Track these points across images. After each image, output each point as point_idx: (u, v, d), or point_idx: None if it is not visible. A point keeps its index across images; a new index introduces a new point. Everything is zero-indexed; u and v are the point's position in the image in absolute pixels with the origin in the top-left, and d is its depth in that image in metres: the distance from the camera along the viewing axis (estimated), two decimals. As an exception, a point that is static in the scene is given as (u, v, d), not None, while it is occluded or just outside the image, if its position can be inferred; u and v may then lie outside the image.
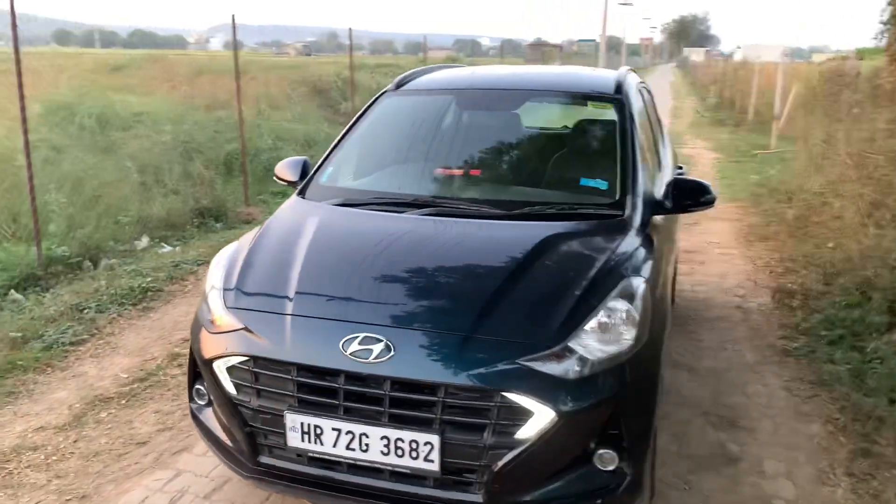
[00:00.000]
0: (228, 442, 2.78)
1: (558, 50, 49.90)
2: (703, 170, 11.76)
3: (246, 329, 2.66)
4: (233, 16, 8.69)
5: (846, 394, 3.94)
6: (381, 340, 2.46)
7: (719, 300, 5.66)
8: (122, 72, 15.91)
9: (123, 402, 3.89)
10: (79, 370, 4.28)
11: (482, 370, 2.40)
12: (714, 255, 6.89)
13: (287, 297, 2.71)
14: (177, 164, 8.80)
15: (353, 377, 2.47)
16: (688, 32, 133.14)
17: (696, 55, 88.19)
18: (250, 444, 2.67)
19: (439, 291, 2.72)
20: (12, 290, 5.59)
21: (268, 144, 10.95)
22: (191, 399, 2.99)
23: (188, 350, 4.37)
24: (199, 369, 2.89)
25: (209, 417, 2.89)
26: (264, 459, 2.67)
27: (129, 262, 6.39)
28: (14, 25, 5.60)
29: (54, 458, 3.34)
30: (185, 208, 7.93)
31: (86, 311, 5.07)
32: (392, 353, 2.44)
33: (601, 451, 2.48)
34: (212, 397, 2.82)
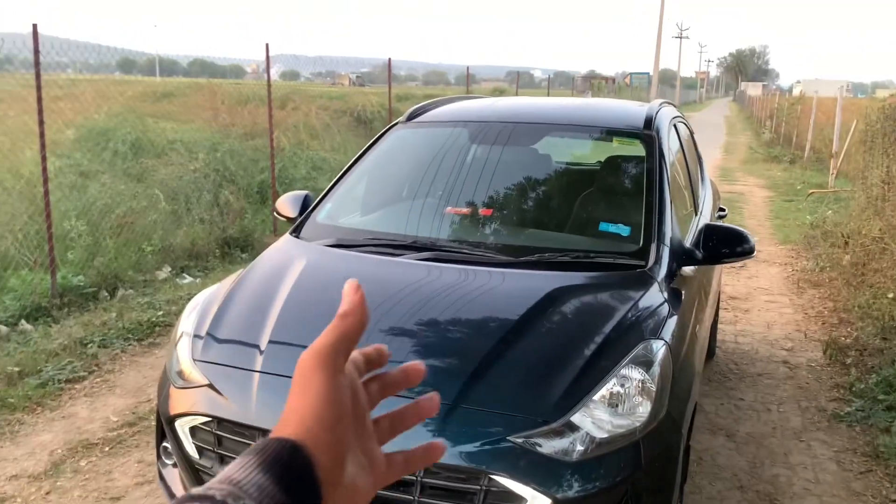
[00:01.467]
0: (191, 510, 2.48)
1: (611, 82, 49.45)
2: (753, 209, 11.24)
3: (210, 386, 2.38)
4: (266, 44, 8.58)
5: (906, 471, 3.47)
6: None
7: (764, 353, 5.20)
8: (167, 99, 16.03)
9: (107, 448, 3.63)
10: (69, 411, 4.05)
11: (468, 447, 2.07)
12: (760, 303, 6.41)
13: (258, 349, 2.42)
14: (206, 192, 8.68)
15: (322, 448, 2.15)
16: (745, 66, 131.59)
17: (753, 89, 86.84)
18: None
19: (427, 349, 2.40)
20: (22, 320, 5.45)
21: (302, 174, 10.82)
22: (158, 457, 2.71)
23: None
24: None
25: (172, 478, 2.61)
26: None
27: (147, 292, 6.22)
28: (36, 51, 5.53)
29: (21, 512, 3.10)
30: (210, 238, 7.77)
31: (89, 346, 4.88)
32: (366, 421, 2.11)
33: (610, 546, 2.11)
34: (175, 459, 2.54)
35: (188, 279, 6.87)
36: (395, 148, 3.66)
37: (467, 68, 18.56)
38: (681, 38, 74.16)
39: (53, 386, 4.30)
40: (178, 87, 16.17)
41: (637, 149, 3.32)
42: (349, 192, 3.49)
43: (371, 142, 3.69)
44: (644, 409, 2.18)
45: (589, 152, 3.76)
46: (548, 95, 25.41)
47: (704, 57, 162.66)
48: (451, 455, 2.06)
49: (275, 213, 3.57)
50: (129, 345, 5.00)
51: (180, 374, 2.52)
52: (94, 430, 3.83)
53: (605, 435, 2.11)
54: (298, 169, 10.95)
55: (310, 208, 3.38)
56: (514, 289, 2.66)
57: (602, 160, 3.62)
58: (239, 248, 7.99)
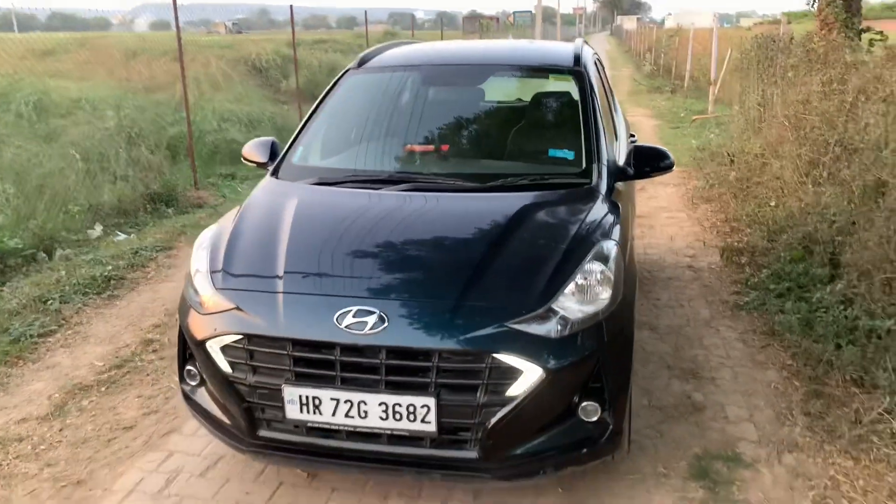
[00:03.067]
0: (225, 419, 2.85)
1: (495, 22, 49.91)
2: (644, 136, 12.07)
3: (238, 308, 2.73)
4: (173, -3, 8.52)
5: (797, 342, 4.20)
6: (375, 312, 2.57)
7: (671, 261, 5.92)
8: (53, 56, 15.30)
9: (103, 389, 3.90)
10: (51, 361, 4.26)
11: (473, 334, 2.53)
12: (662, 219, 7.16)
13: (276, 276, 2.79)
14: (122, 149, 8.62)
15: (348, 349, 2.57)
16: (620, 0, 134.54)
17: (629, 23, 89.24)
18: (248, 419, 2.75)
19: (426, 263, 2.84)
20: (-33, 286, 5.48)
21: (212, 126, 10.82)
22: (182, 380, 3.05)
23: (161, 336, 4.43)
24: (189, 351, 2.96)
25: (202, 397, 2.96)
26: (263, 433, 2.76)
27: (86, 251, 6.31)
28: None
29: (42, 447, 3.36)
30: (135, 195, 7.82)
31: (50, 303, 5.02)
32: (385, 323, 2.55)
33: (585, 404, 2.65)
34: (205, 377, 2.88)
35: (122, 236, 6.95)
36: (353, 93, 4.00)
37: (365, 12, 18.53)
38: (560, -27, 74.87)
39: (27, 341, 4.47)
40: (58, 43, 15.42)
41: (570, 84, 3.81)
42: (316, 135, 3.82)
43: (327, 89, 4.02)
44: (605, 294, 2.70)
45: (528, 89, 4.21)
46: (441, 37, 25.60)
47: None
48: (460, 341, 2.52)
49: (244, 159, 3.86)
50: (90, 298, 5.17)
51: (202, 304, 2.85)
52: (83, 375, 4.07)
53: (579, 316, 2.62)
54: (208, 121, 10.91)
55: (282, 153, 3.70)
56: (488, 209, 3.11)
57: (540, 95, 4.09)
58: (164, 203, 8.07)
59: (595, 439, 2.69)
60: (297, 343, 2.62)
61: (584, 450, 2.68)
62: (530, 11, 64.50)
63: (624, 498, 2.94)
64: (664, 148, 3.56)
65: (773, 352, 4.21)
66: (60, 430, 3.51)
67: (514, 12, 59.70)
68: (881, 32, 6.99)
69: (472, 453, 2.59)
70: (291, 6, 11.90)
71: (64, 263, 5.94)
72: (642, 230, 6.72)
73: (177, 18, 8.76)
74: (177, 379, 3.83)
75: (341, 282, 2.76)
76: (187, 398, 3.04)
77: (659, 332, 4.49)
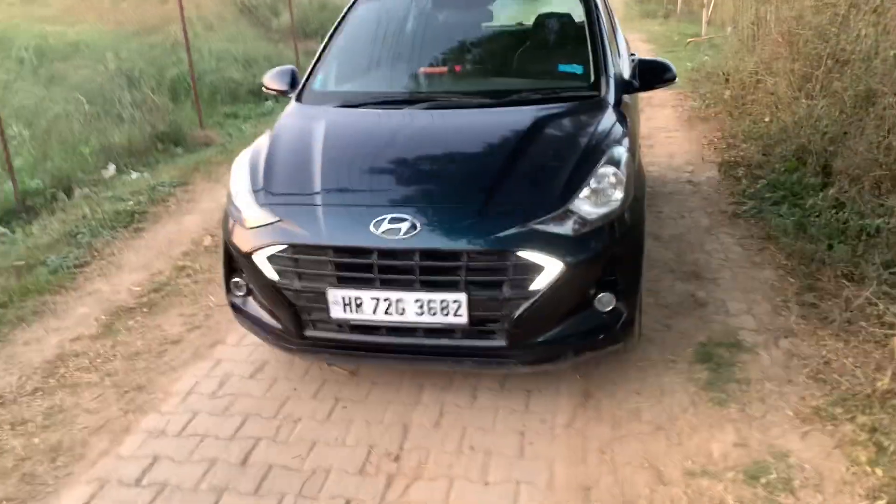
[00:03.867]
0: (274, 323, 3.12)
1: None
2: (639, 61, 12.13)
3: (282, 221, 2.97)
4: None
5: (791, 243, 4.48)
6: (407, 219, 2.82)
7: (671, 177, 6.16)
8: (37, 2, 15.18)
9: (145, 310, 4.17)
10: (91, 288, 4.52)
11: (498, 235, 2.79)
12: (661, 139, 7.37)
13: (315, 191, 3.03)
14: (126, 92, 8.74)
15: (385, 253, 2.83)
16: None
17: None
18: (295, 321, 3.02)
19: (452, 172, 3.08)
20: (-5, 225, 5.71)
21: (210, 66, 10.87)
22: (228, 292, 3.31)
23: (192, 263, 4.70)
24: (234, 265, 3.22)
25: (250, 305, 3.23)
26: (309, 333, 3.04)
27: (103, 190, 6.51)
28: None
29: (99, 360, 3.65)
30: (143, 135, 7.97)
31: (79, 237, 5.26)
32: (418, 229, 2.80)
33: (600, 295, 2.92)
34: (253, 286, 3.15)
35: (135, 175, 7.14)
36: (365, 19, 4.17)
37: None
38: None
39: (65, 272, 4.72)
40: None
41: (575, 4, 3.98)
42: (333, 62, 4.00)
43: (340, 17, 4.18)
44: (618, 195, 2.95)
45: (534, 9, 4.37)
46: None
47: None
48: (487, 242, 2.78)
49: (264, 88, 4.05)
50: (117, 232, 5.40)
51: (246, 220, 3.08)
52: (124, 299, 4.33)
53: (594, 216, 2.87)
54: (206, 62, 10.95)
55: (303, 79, 3.90)
56: (503, 122, 3.33)
57: (548, 14, 4.26)
58: (172, 142, 8.22)
59: (610, 327, 2.97)
60: (338, 250, 2.87)
61: (601, 336, 2.97)
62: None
63: (636, 381, 3.25)
64: (666, 61, 3.76)
65: (770, 253, 4.49)
66: (112, 346, 3.79)
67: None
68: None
69: (500, 342, 2.88)
70: (282, -60, 11.75)
71: (86, 201, 6.15)
72: (642, 149, 6.90)
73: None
74: (213, 299, 4.15)
75: (375, 193, 3.00)
76: (235, 308, 3.30)
77: (662, 241, 4.76)
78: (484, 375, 3.29)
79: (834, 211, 4.69)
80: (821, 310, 3.71)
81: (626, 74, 3.82)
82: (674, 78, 3.73)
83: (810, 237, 4.48)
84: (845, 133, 5.41)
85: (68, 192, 6.50)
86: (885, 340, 3.36)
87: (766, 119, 6.82)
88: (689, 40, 13.36)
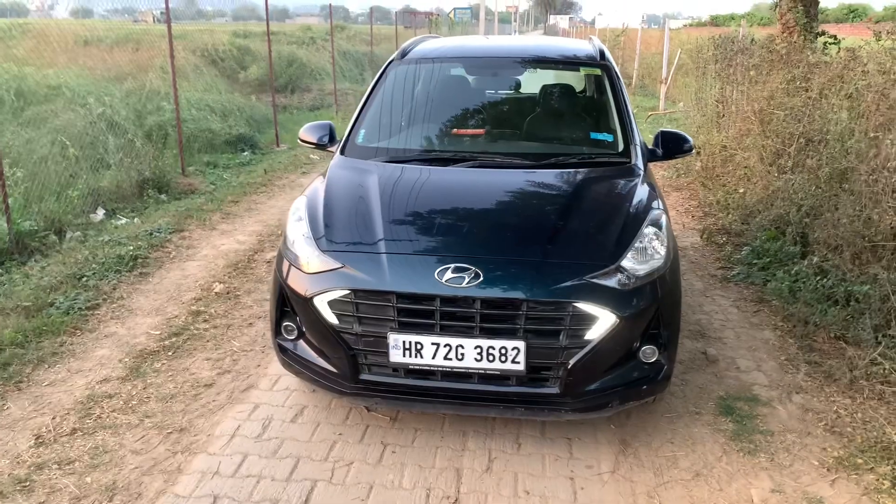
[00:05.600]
0: (326, 366, 3.21)
1: (433, 17, 50.38)
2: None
3: (344, 267, 3.10)
4: (164, -14, 8.66)
5: (785, 307, 4.79)
6: (471, 269, 2.98)
7: (658, 241, 6.47)
8: (2, 42, 15.03)
9: (169, 353, 4.18)
10: (107, 331, 4.50)
11: (557, 286, 2.97)
12: (640, 205, 7.72)
13: (377, 240, 3.17)
14: (110, 136, 8.73)
15: (447, 300, 2.97)
16: (552, 0, 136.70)
17: (563, 22, 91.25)
18: (351, 365, 3.12)
19: (509, 227, 3.26)
20: (-10, 265, 5.62)
21: (190, 115, 10.92)
22: (277, 335, 3.38)
23: (206, 308, 4.72)
24: (286, 308, 3.31)
25: (301, 348, 3.30)
26: (364, 377, 3.13)
27: (95, 234, 6.47)
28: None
29: (133, 402, 3.64)
30: (130, 181, 7.96)
31: (85, 279, 5.23)
32: (480, 278, 2.96)
33: (645, 347, 3.12)
34: (307, 330, 3.24)
35: (123, 220, 7.12)
36: (402, 81, 4.39)
37: (329, 8, 18.66)
38: (496, -28, 75.84)
39: (77, 313, 4.69)
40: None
41: (599, 75, 4.29)
42: (374, 120, 4.19)
43: (376, 78, 4.39)
44: (661, 253, 3.18)
45: (563, 80, 4.68)
46: (370, 31, 25.80)
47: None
48: (547, 292, 2.96)
49: (300, 141, 4.21)
50: (122, 276, 5.39)
51: (305, 266, 3.20)
52: (144, 342, 4.33)
53: (641, 272, 3.09)
54: (185, 110, 11.00)
55: (346, 134, 4.07)
56: (551, 182, 3.56)
57: (573, 86, 4.56)
58: (156, 189, 8.22)
59: (652, 378, 3.16)
60: (402, 296, 3.01)
61: (644, 387, 3.15)
62: (469, 8, 65.30)
63: (667, 431, 3.43)
64: (685, 133, 4.06)
65: (765, 316, 4.78)
66: (144, 388, 3.79)
67: (454, 9, 60.34)
68: (834, 36, 7.73)
69: (553, 389, 3.03)
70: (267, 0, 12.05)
71: (78, 245, 6.11)
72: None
73: (168, 15, 8.89)
74: (236, 344, 4.20)
75: (437, 243, 3.16)
76: (284, 351, 3.37)
77: (663, 301, 5.01)
78: (524, 423, 3.42)
79: (818, 277, 5.03)
80: (824, 368, 3.99)
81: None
82: (692, 149, 4.04)
83: (801, 301, 4.79)
84: (821, 206, 5.83)
85: (59, 235, 6.44)
86: (888, 397, 3.64)
87: (741, 190, 7.26)
88: (649, 114, 14.04)
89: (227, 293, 5.10)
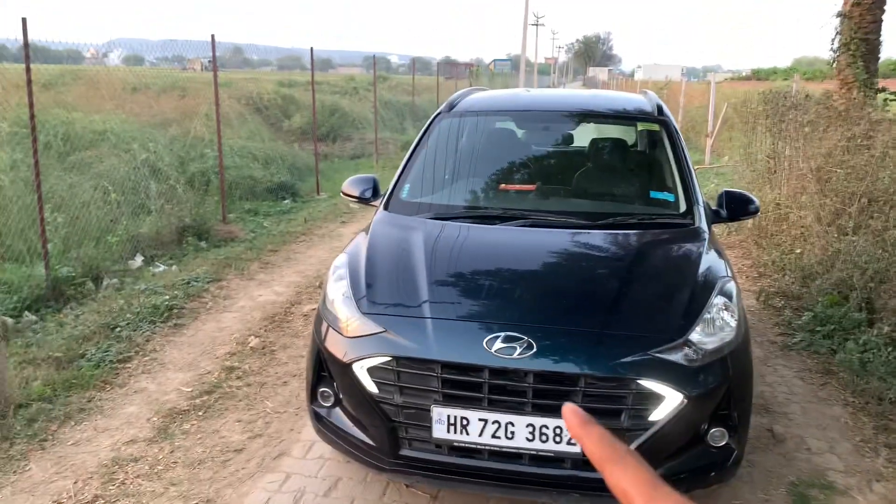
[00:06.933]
0: (364, 438, 2.97)
1: (473, 68, 51.11)
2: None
3: (386, 332, 2.88)
4: (212, 35, 8.74)
5: (852, 380, 4.44)
6: (523, 338, 2.74)
7: (711, 303, 6.15)
8: (54, 89, 15.40)
9: (200, 413, 3.98)
10: (137, 386, 4.33)
11: (618, 361, 2.71)
12: (690, 263, 7.42)
13: (422, 303, 2.95)
14: (152, 182, 8.74)
15: (497, 372, 2.73)
16: (592, 52, 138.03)
17: (602, 74, 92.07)
18: (391, 438, 2.88)
19: (565, 293, 3.02)
20: (26, 312, 5.53)
21: (232, 162, 10.96)
22: (313, 401, 3.16)
23: (240, 363, 4.53)
24: (323, 372, 3.09)
25: (338, 417, 3.08)
26: (405, 452, 2.89)
27: (132, 281, 6.38)
28: None
29: (159, 467, 3.44)
30: (170, 227, 7.91)
31: (118, 330, 5.09)
32: (534, 349, 2.71)
33: (713, 430, 2.83)
34: (346, 397, 3.01)
35: (161, 267, 7.03)
36: (449, 135, 4.22)
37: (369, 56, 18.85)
38: (537, 25, 76.88)
39: (107, 366, 4.54)
40: (52, 77, 15.51)
41: (657, 131, 4.07)
42: (419, 174, 4.02)
43: (422, 131, 4.23)
44: (732, 325, 2.91)
45: (617, 135, 4.48)
46: (413, 81, 26.04)
47: (556, 43, 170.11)
48: (607, 367, 2.70)
49: (343, 195, 4.04)
50: (157, 327, 5.25)
51: (345, 329, 2.99)
52: (174, 400, 4.15)
53: (711, 347, 2.82)
54: (228, 157, 11.05)
55: (390, 188, 3.89)
56: (607, 244, 3.33)
57: (632, 141, 4.35)
58: (196, 236, 8.15)
59: (720, 464, 2.86)
60: (448, 366, 2.77)
61: (712, 473, 2.85)
62: (509, 60, 66.20)
63: (735, 521, 3.11)
64: (750, 194, 3.81)
65: (833, 389, 4.44)
66: (171, 451, 3.59)
67: (493, 60, 61.14)
68: (895, 92, 7.45)
69: None
70: (312, 48, 12.16)
71: (116, 293, 6.01)
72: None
73: (214, 55, 8.95)
74: (270, 404, 3.98)
75: (487, 309, 2.93)
76: (319, 419, 3.15)
77: (721, 369, 4.69)
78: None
79: (890, 349, 4.68)
80: (906, 453, 3.63)
81: None
82: (758, 210, 3.78)
83: (872, 374, 4.44)
84: (888, 270, 5.49)
85: (96, 282, 6.36)
86: (982, 490, 3.27)
87: (797, 251, 6.92)
88: (696, 168, 13.75)
89: (263, 348, 4.91)
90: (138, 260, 7.14)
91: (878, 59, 7.58)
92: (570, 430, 0.68)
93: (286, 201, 10.93)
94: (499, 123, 4.30)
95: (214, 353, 4.85)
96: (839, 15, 7.48)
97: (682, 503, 0.61)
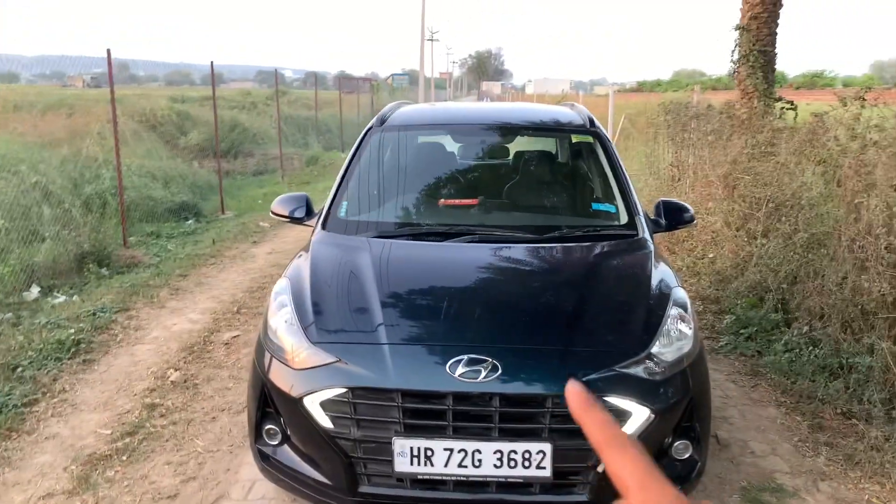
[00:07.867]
0: (318, 476, 2.78)
1: (374, 83, 51.06)
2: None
3: (340, 361, 2.71)
4: (108, 50, 8.25)
5: (781, 381, 4.57)
6: (487, 360, 2.63)
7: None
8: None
9: (124, 458, 3.66)
10: (48, 431, 3.95)
11: (585, 379, 2.64)
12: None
13: (377, 327, 2.79)
14: (45, 206, 8.14)
15: (461, 397, 2.61)
16: (485, 67, 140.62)
17: (495, 88, 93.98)
18: (349, 475, 2.70)
19: (524, 310, 2.93)
20: None
21: (132, 183, 10.39)
22: (258, 439, 2.95)
23: (161, 400, 4.22)
24: (268, 409, 2.89)
25: (287, 455, 2.87)
26: (364, 489, 2.71)
27: (30, 315, 5.88)
28: None
29: (84, 523, 3.12)
30: (67, 255, 7.37)
31: (20, 370, 4.65)
32: (499, 371, 2.61)
33: (677, 443, 2.81)
34: (294, 434, 2.82)
35: (61, 298, 6.52)
36: (383, 149, 4.08)
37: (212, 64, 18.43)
38: (432, 40, 77.66)
39: (11, 412, 4.12)
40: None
41: (590, 142, 4.07)
42: (355, 191, 3.85)
43: (355, 146, 4.06)
44: (689, 334, 2.90)
45: (550, 147, 4.44)
46: (315, 96, 25.79)
47: (451, 59, 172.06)
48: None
49: (273, 214, 3.83)
50: (63, 364, 4.82)
51: (293, 360, 2.79)
52: (92, 444, 3.80)
53: (672, 359, 2.79)
54: (126, 178, 10.45)
55: (326, 207, 3.71)
56: (560, 258, 3.27)
57: (567, 153, 4.32)
58: (96, 262, 7.63)
59: (685, 477, 2.84)
60: (409, 394, 2.62)
61: (679, 487, 2.81)
62: (406, 74, 66.56)
63: (696, 532, 3.09)
64: (685, 203, 3.85)
65: (764, 391, 4.55)
66: (96, 503, 3.26)
67: (392, 75, 61.29)
68: (791, 102, 7.83)
69: (582, 496, 2.67)
70: (212, 62, 11.73)
71: (10, 328, 5.51)
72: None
73: (110, 74, 8.46)
74: (200, 443, 3.72)
75: (447, 330, 2.80)
76: (265, 458, 2.93)
77: (656, 377, 4.73)
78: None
79: (810, 348, 4.85)
80: (843, 451, 3.74)
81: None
82: (693, 219, 3.82)
83: (798, 373, 4.58)
84: (799, 271, 5.71)
85: (-13, 317, 5.82)
86: (919, 482, 3.40)
87: (710, 255, 7.14)
88: (599, 177, 14.10)
89: (185, 381, 4.59)
90: (34, 291, 6.60)
91: (775, 69, 7.95)
92: (573, 412, 0.67)
93: (189, 222, 10.45)
94: (434, 137, 4.20)
95: (132, 389, 4.49)
96: (738, 28, 7.80)
97: (675, 495, 0.62)
